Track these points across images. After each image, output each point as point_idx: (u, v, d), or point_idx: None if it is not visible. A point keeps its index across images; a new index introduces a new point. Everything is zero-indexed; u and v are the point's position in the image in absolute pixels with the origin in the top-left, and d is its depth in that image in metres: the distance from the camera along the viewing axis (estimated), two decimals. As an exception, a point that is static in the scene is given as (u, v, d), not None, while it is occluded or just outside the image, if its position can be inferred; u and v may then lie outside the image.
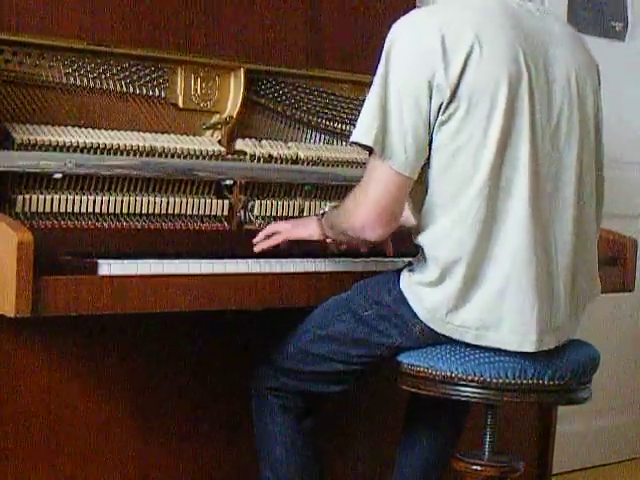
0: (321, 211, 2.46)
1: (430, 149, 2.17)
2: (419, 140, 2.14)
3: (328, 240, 2.45)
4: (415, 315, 2.23)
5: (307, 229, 2.45)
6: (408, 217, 2.33)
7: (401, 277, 2.28)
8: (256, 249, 2.48)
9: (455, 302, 2.17)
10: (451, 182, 2.16)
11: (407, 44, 2.15)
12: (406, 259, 2.40)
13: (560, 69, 2.24)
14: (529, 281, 2.16)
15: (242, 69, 2.70)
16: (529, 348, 2.19)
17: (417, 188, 2.21)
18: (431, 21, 2.16)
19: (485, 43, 2.14)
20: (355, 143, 2.19)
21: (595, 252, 2.35)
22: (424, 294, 2.21)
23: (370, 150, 2.17)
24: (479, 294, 2.17)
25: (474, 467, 2.33)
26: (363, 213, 2.17)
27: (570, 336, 2.31)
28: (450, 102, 2.13)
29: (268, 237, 2.50)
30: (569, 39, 2.31)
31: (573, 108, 2.24)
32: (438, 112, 2.14)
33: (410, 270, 2.27)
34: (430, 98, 2.13)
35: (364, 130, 2.16)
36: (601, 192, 2.36)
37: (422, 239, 2.21)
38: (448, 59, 2.12)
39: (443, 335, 2.22)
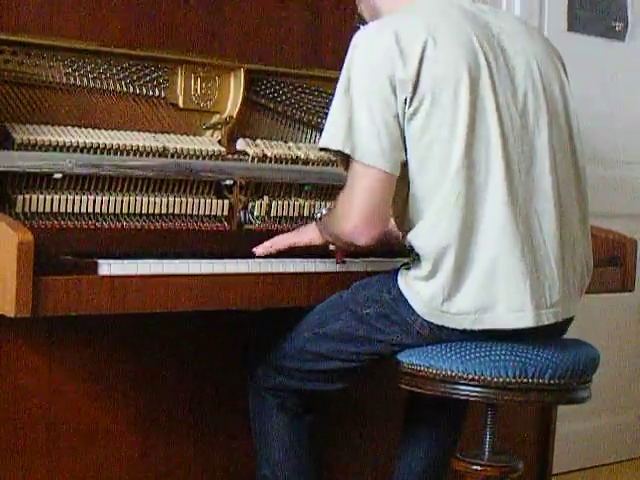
0: (318, 215, 2.46)
1: (405, 145, 2.19)
2: (393, 135, 2.17)
3: (331, 247, 2.44)
4: (414, 312, 2.24)
5: (309, 234, 2.44)
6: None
7: (399, 275, 2.29)
8: (258, 253, 2.45)
9: (449, 290, 2.19)
10: (429, 174, 2.19)
11: (365, 49, 2.20)
12: (404, 259, 2.40)
13: (519, 56, 2.28)
14: (516, 258, 2.18)
15: (242, 69, 2.70)
16: (529, 322, 2.20)
17: (396, 188, 2.22)
18: (385, 26, 2.22)
19: (439, 36, 2.18)
20: (324, 149, 2.22)
21: (583, 233, 2.35)
22: (420, 288, 2.22)
23: (343, 156, 2.19)
24: (470, 278, 2.19)
25: (474, 467, 2.33)
26: (351, 219, 2.19)
27: (568, 314, 2.31)
28: (413, 95, 2.16)
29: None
30: (525, 31, 2.36)
31: (538, 91, 2.28)
32: (405, 106, 2.17)
33: (407, 268, 2.29)
34: (395, 94, 2.16)
35: (332, 135, 2.19)
36: (582, 177, 2.36)
37: (410, 236, 2.23)
38: (405, 55, 2.16)
39: (443, 329, 2.23)
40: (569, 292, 2.30)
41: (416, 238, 2.22)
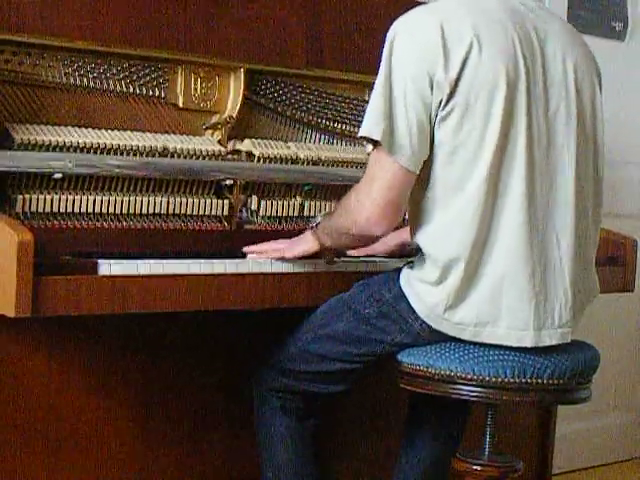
0: (314, 223, 2.41)
1: (432, 146, 2.18)
2: (423, 135, 2.16)
3: (325, 251, 2.41)
4: (414, 311, 2.23)
5: (303, 245, 2.40)
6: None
7: (401, 274, 2.28)
8: (250, 257, 2.42)
9: (453, 300, 2.18)
10: (450, 180, 2.17)
11: (408, 41, 2.17)
12: (404, 259, 2.40)
13: (557, 68, 2.24)
14: (525, 278, 2.17)
15: (242, 69, 2.70)
16: (527, 343, 2.20)
17: (414, 188, 2.22)
18: (431, 18, 2.18)
19: (484, 41, 2.15)
20: (363, 137, 2.19)
21: (593, 252, 2.35)
22: (423, 292, 2.22)
23: (375, 145, 2.17)
24: (476, 291, 2.18)
25: (474, 467, 2.33)
26: (368, 207, 2.17)
27: (569, 336, 2.31)
28: (449, 99, 2.14)
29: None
30: (568, 37, 2.31)
31: (571, 106, 2.25)
32: (438, 108, 2.15)
33: (410, 267, 2.28)
34: (432, 93, 2.14)
35: (373, 125, 2.16)
36: (600, 192, 2.36)
37: (420, 237, 2.22)
38: (448, 56, 2.13)
39: (442, 333, 2.22)
40: (580, 311, 2.30)
41: (426, 240, 2.21)
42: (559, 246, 2.22)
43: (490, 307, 2.18)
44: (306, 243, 2.39)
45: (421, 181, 2.21)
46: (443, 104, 2.14)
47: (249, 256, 2.41)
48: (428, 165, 2.19)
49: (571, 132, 2.24)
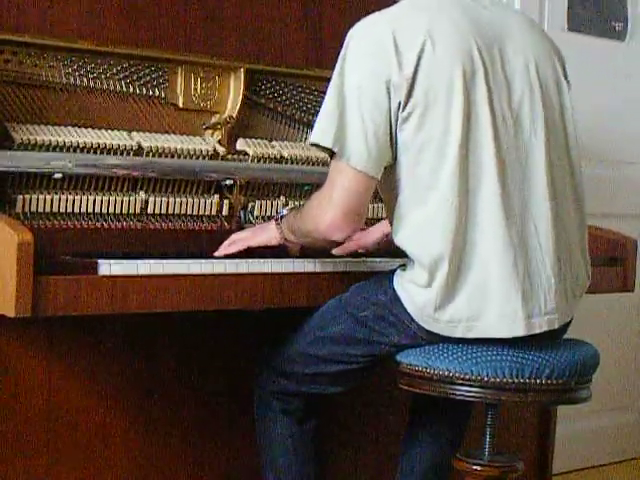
0: (279, 214, 2.43)
1: (396, 149, 2.18)
2: (381, 139, 2.16)
3: (288, 244, 2.42)
4: (409, 314, 2.23)
5: (266, 234, 2.42)
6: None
7: (395, 276, 2.29)
8: (216, 254, 2.43)
9: (442, 299, 2.18)
10: (420, 179, 2.18)
11: (361, 46, 2.18)
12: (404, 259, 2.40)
13: (518, 60, 2.26)
14: (508, 268, 2.18)
15: (242, 69, 2.70)
16: (519, 332, 2.19)
17: (388, 191, 2.23)
18: (383, 22, 2.20)
19: (438, 39, 2.16)
20: (314, 145, 2.20)
21: (579, 236, 2.34)
22: (414, 293, 2.22)
23: (330, 152, 2.18)
24: (463, 287, 2.18)
25: (474, 467, 2.33)
26: (329, 215, 2.18)
27: (564, 320, 2.31)
28: (408, 99, 2.15)
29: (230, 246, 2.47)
30: (527, 30, 2.33)
31: (535, 97, 2.25)
32: (398, 110, 2.16)
33: (403, 270, 2.29)
34: (389, 97, 2.15)
35: (323, 131, 2.17)
36: (579, 181, 2.35)
37: (401, 240, 2.23)
38: (401, 57, 2.14)
39: (437, 334, 2.23)
40: (566, 298, 2.29)
41: (407, 242, 2.21)
42: (537, 233, 2.22)
43: (479, 301, 2.18)
44: (268, 233, 2.41)
45: (393, 185, 2.22)
46: (402, 105, 2.15)
47: (217, 254, 2.41)
48: (397, 168, 2.20)
49: (537, 119, 2.25)
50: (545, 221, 2.23)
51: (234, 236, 2.47)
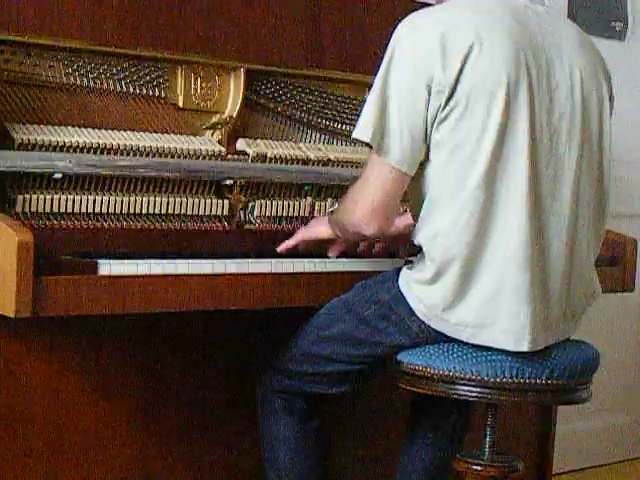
0: (331, 209, 2.49)
1: (429, 147, 2.18)
2: (416, 138, 2.17)
3: (337, 238, 2.45)
4: (413, 313, 2.24)
5: (317, 227, 2.48)
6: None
7: (400, 275, 2.29)
8: (278, 249, 2.52)
9: (452, 299, 2.18)
10: (449, 180, 2.18)
11: (408, 46, 2.18)
12: (404, 259, 2.40)
13: (564, 73, 2.23)
14: (524, 282, 2.17)
15: (242, 69, 2.70)
16: (525, 347, 2.19)
17: (415, 189, 2.24)
18: (431, 22, 2.19)
19: (485, 43, 2.15)
20: (356, 139, 2.23)
21: (592, 257, 2.34)
22: (421, 292, 2.22)
23: (369, 147, 2.20)
24: (475, 292, 2.18)
25: (474, 467, 2.33)
26: (359, 208, 2.21)
27: (565, 336, 2.32)
28: (448, 100, 2.14)
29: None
30: (576, 42, 2.30)
31: (575, 113, 2.23)
32: (437, 111, 2.15)
33: (409, 268, 2.29)
34: (428, 98, 2.15)
35: (363, 127, 2.19)
36: (603, 200, 2.33)
37: (420, 238, 2.23)
38: (447, 59, 2.13)
39: (441, 333, 2.22)
40: (573, 317, 2.30)
41: (426, 240, 2.21)
42: (555, 252, 2.22)
43: (489, 309, 2.18)
44: (319, 226, 2.47)
45: (421, 182, 2.22)
46: (442, 106, 2.15)
47: (280, 250, 2.50)
48: (428, 166, 2.20)
49: (574, 139, 2.23)
50: (564, 241, 2.22)
51: (298, 235, 2.53)
